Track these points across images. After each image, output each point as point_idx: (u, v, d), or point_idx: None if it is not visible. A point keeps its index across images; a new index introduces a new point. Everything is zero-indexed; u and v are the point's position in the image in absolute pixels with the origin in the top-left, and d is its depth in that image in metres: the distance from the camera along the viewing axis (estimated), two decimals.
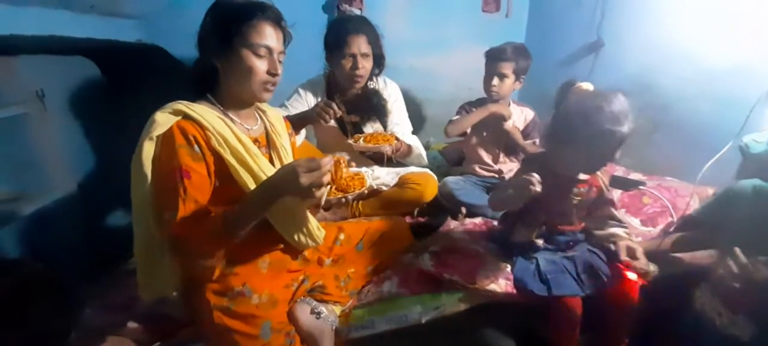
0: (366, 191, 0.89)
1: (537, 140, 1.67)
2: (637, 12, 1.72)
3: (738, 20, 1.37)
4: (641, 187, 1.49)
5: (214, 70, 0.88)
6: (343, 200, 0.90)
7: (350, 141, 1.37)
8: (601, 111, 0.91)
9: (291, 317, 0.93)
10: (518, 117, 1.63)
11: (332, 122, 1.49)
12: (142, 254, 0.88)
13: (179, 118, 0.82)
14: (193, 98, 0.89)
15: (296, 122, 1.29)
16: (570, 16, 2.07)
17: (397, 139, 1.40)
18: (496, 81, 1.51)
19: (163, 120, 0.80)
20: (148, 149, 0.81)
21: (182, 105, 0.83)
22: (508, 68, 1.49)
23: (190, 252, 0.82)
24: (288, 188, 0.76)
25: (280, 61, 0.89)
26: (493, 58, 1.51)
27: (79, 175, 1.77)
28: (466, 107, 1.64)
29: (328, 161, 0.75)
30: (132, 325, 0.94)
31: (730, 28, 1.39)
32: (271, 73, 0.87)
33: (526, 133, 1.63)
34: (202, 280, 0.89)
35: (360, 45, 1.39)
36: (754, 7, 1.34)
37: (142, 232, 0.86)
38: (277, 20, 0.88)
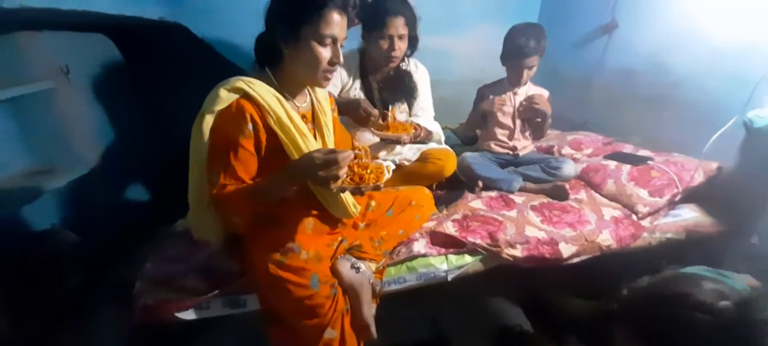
0: (382, 186, 0.91)
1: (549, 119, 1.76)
2: None
3: None
4: (649, 162, 1.58)
5: (279, 49, 0.93)
6: (357, 190, 0.90)
7: (372, 128, 1.43)
8: None
9: (334, 271, 1.04)
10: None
11: (362, 97, 1.57)
12: (194, 201, 1.00)
13: (239, 96, 0.90)
14: (220, 77, 0.93)
15: (339, 105, 1.34)
16: None
17: (416, 127, 1.45)
18: (526, 74, 1.56)
19: (225, 97, 0.89)
20: (209, 120, 0.91)
21: (243, 83, 0.90)
22: (535, 60, 1.55)
23: (225, 211, 0.93)
24: (306, 175, 0.84)
25: (341, 46, 0.94)
26: (519, 55, 1.52)
27: (102, 148, 1.82)
28: (486, 91, 1.71)
29: (345, 156, 0.79)
30: (190, 275, 1.05)
31: (741, 6, 1.43)
32: (333, 61, 0.92)
33: None
34: (255, 235, 1.00)
35: (398, 27, 1.41)
36: None
37: (195, 183, 0.98)
38: (345, 6, 0.89)
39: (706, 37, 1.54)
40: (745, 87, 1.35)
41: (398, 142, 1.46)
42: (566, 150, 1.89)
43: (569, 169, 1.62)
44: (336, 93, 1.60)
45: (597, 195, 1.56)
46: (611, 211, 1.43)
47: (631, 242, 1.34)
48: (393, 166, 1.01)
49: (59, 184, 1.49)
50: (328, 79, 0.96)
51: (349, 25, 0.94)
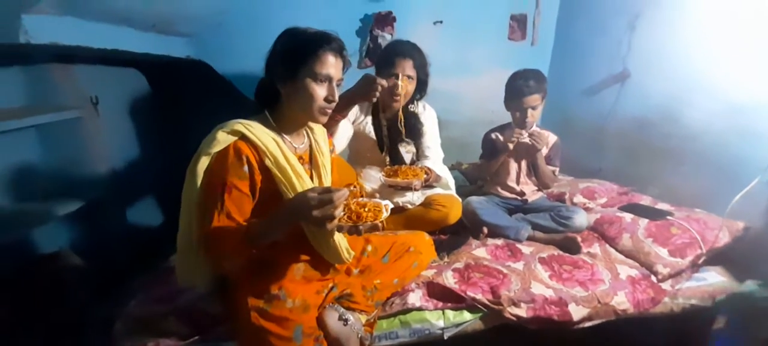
0: (380, 225, 0.88)
1: (558, 166, 1.70)
2: (664, 44, 1.74)
3: (764, 55, 1.37)
4: (669, 218, 1.47)
5: (277, 91, 0.96)
6: (354, 229, 0.88)
7: (381, 175, 1.41)
8: None
9: (320, 322, 0.97)
10: None
11: (372, 135, 1.57)
12: (182, 245, 0.96)
13: (237, 138, 0.90)
14: (236, 111, 0.96)
15: (345, 101, 1.32)
16: (595, 45, 2.10)
17: (427, 172, 1.44)
18: (530, 114, 1.55)
19: (223, 139, 0.89)
20: (204, 162, 0.90)
21: (241, 125, 0.91)
22: (537, 99, 1.54)
23: (216, 254, 0.90)
24: (301, 216, 0.81)
25: (338, 86, 0.96)
26: (520, 94, 1.53)
27: (123, 176, 1.90)
28: (494, 134, 1.68)
29: (341, 195, 0.77)
30: (170, 319, 1.00)
31: (757, 63, 1.39)
32: (329, 100, 0.94)
33: (548, 158, 1.66)
34: (240, 279, 0.95)
35: (405, 67, 1.46)
36: None
37: (185, 226, 0.95)
38: (340, 50, 0.95)
39: (721, 91, 1.49)
40: (765, 143, 1.27)
41: (409, 188, 1.44)
42: (578, 199, 1.81)
43: (581, 219, 1.54)
44: (350, 133, 1.60)
45: (612, 250, 1.46)
46: (628, 269, 1.33)
47: (650, 306, 1.22)
48: (391, 206, 0.97)
49: (72, 208, 1.52)
50: (325, 116, 0.97)
51: (345, 67, 0.98)
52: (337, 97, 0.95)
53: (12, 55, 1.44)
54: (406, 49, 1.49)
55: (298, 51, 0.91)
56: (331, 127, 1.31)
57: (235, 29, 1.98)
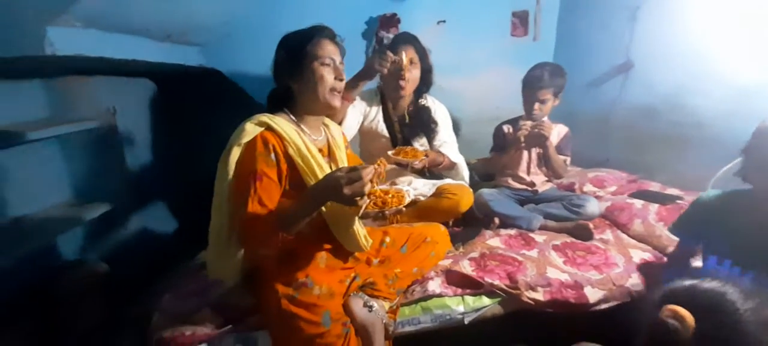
0: (403, 209, 0.93)
1: (569, 156, 1.73)
2: (667, 33, 1.77)
3: None
4: (679, 201, 1.50)
5: (289, 90, 1.02)
6: (380, 214, 0.94)
7: (390, 152, 1.46)
8: None
9: (346, 309, 1.01)
10: (553, 133, 1.67)
11: (385, 132, 1.61)
12: (214, 239, 1.00)
13: (263, 129, 0.95)
14: (247, 113, 1.00)
15: (355, 81, 1.38)
16: (597, 38, 2.14)
17: (426, 155, 1.49)
18: (537, 106, 1.58)
19: (251, 130, 0.94)
20: (235, 153, 0.94)
21: (266, 117, 0.96)
22: (547, 93, 1.57)
23: (253, 241, 0.93)
24: (331, 195, 0.85)
25: (341, 69, 1.03)
26: (532, 86, 1.57)
27: (140, 184, 1.95)
28: (506, 127, 1.72)
29: (369, 172, 0.81)
30: (205, 311, 1.04)
31: (762, 47, 1.41)
32: (338, 78, 1.01)
33: (559, 149, 1.69)
34: (269, 270, 0.99)
35: (408, 52, 1.50)
36: None
37: (217, 220, 0.98)
38: (333, 37, 1.03)
39: (727, 77, 1.52)
40: None
41: (407, 167, 1.49)
42: (588, 188, 1.84)
43: (593, 206, 1.56)
44: (358, 124, 1.65)
45: (624, 236, 1.49)
46: (641, 253, 1.35)
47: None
48: (412, 192, 1.01)
49: (93, 215, 1.57)
50: (336, 98, 1.02)
51: (342, 54, 1.04)
52: (343, 76, 1.02)
53: (35, 68, 1.49)
54: (406, 37, 1.57)
55: (298, 45, 0.99)
56: (339, 114, 1.35)
57: (245, 38, 2.03)
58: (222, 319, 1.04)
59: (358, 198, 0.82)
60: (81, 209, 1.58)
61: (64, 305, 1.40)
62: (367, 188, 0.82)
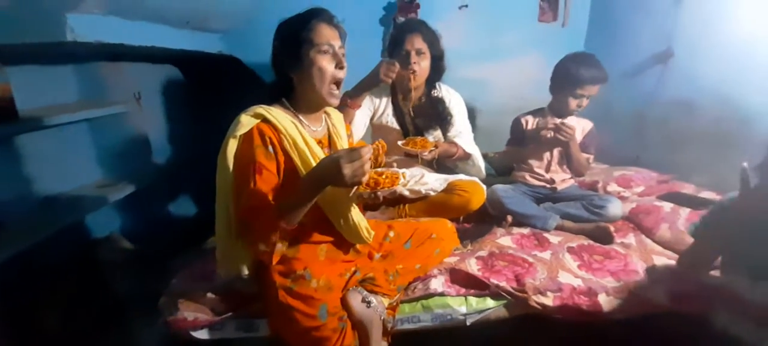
0: (398, 190, 0.91)
1: (593, 154, 1.62)
2: (713, 19, 1.60)
3: None
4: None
5: (289, 81, 1.00)
6: (373, 195, 0.91)
7: (399, 143, 1.44)
8: None
9: (344, 303, 1.00)
10: (576, 129, 1.57)
11: (396, 125, 1.58)
12: (221, 234, 1.01)
13: (259, 120, 0.94)
14: (262, 101, 1.00)
15: (360, 90, 1.38)
16: (635, 24, 1.97)
17: (436, 146, 1.46)
18: (574, 104, 1.48)
19: (246, 122, 0.93)
20: (232, 146, 0.94)
21: (262, 109, 0.95)
22: (593, 89, 1.46)
23: (253, 233, 0.93)
24: (330, 178, 0.83)
25: (342, 55, 0.99)
26: (576, 81, 1.44)
27: (164, 165, 2.05)
28: (525, 119, 1.63)
29: (367, 150, 0.81)
30: (210, 295, 1.08)
31: None
32: (339, 66, 0.97)
33: (583, 146, 1.58)
34: (266, 262, 1.00)
35: (414, 42, 1.46)
36: None
37: (222, 214, 1.00)
38: (330, 19, 0.99)
39: None
40: None
41: (417, 157, 1.47)
42: (612, 187, 1.72)
43: (615, 208, 1.47)
44: (368, 120, 1.63)
45: (648, 241, 1.38)
46: (665, 261, 1.25)
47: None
48: (408, 174, 0.99)
49: (121, 195, 1.66)
50: (335, 96, 0.99)
51: (342, 37, 1.00)
52: (344, 64, 0.98)
53: (65, 54, 1.57)
54: (413, 25, 1.52)
55: (294, 33, 0.96)
56: (346, 118, 1.34)
57: (262, 25, 2.02)
58: (225, 304, 1.07)
59: (359, 179, 0.81)
60: (109, 189, 1.68)
61: (93, 277, 1.52)
62: (367, 168, 0.81)
